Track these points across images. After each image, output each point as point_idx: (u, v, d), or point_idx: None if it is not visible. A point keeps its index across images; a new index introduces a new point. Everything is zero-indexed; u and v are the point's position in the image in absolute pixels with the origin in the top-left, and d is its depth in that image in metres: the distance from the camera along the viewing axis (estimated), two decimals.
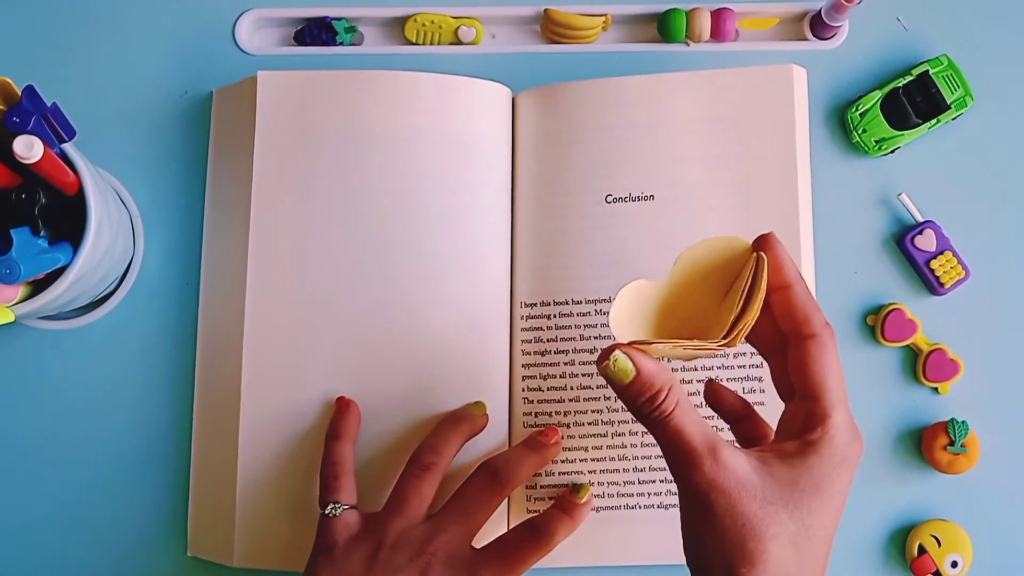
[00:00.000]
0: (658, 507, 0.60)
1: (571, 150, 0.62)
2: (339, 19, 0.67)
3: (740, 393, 0.59)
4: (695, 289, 0.47)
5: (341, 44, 0.67)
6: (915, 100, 0.64)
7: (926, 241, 0.63)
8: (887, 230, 0.64)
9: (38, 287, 0.55)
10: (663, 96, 0.62)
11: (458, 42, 0.67)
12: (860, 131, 0.64)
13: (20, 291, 0.54)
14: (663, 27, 0.66)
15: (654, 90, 0.62)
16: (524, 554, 0.54)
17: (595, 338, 0.61)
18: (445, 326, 0.60)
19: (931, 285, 0.63)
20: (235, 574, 0.61)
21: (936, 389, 0.63)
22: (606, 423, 0.60)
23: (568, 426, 0.60)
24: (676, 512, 0.59)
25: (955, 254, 0.63)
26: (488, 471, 0.56)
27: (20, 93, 0.52)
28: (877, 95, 0.64)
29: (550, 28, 0.67)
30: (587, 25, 0.66)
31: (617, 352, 0.44)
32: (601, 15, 0.66)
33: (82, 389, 0.63)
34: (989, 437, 0.61)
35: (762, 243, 0.47)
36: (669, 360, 0.58)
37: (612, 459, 0.60)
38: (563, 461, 0.60)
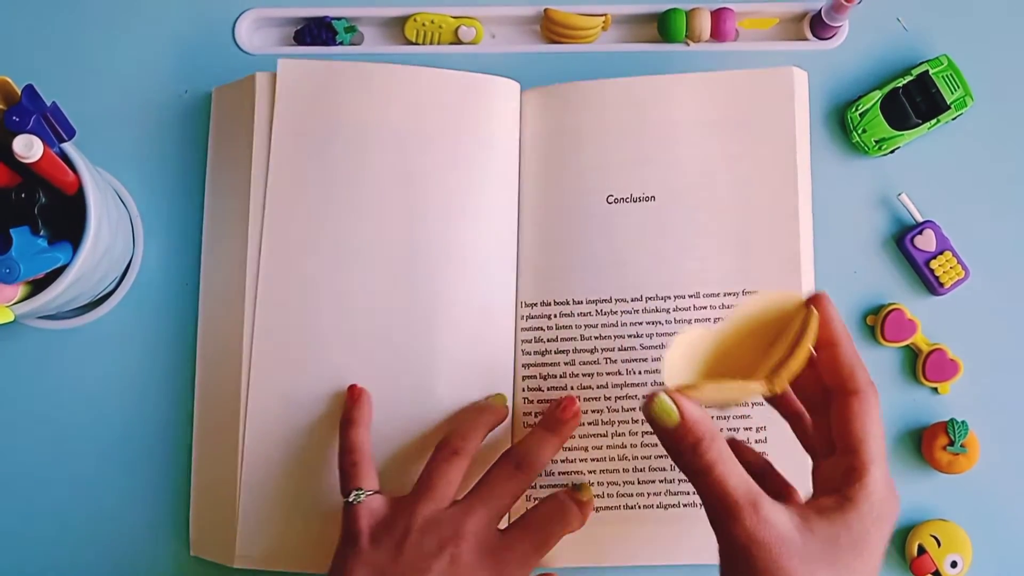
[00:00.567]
0: (657, 507, 0.60)
1: (572, 150, 0.62)
2: (339, 19, 0.67)
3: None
4: (745, 340, 0.49)
5: (341, 44, 0.67)
6: (915, 100, 0.64)
7: (926, 241, 0.63)
8: (887, 230, 0.65)
9: (37, 287, 0.55)
10: (665, 97, 0.62)
11: (458, 42, 0.67)
12: (860, 131, 0.64)
13: (19, 291, 0.54)
14: (663, 27, 0.66)
15: (656, 91, 0.62)
16: (551, 529, 0.55)
17: (596, 338, 0.61)
18: (452, 323, 0.60)
19: (931, 285, 0.63)
20: (237, 574, 0.60)
21: (936, 389, 0.63)
22: (606, 423, 0.60)
23: None
24: (675, 512, 0.59)
25: (955, 254, 0.63)
26: (512, 460, 0.56)
27: (20, 92, 0.52)
28: (877, 95, 0.64)
29: (550, 28, 0.67)
30: (587, 25, 0.66)
31: (661, 394, 0.45)
32: (601, 15, 0.66)
33: (82, 389, 0.63)
34: (989, 437, 0.61)
35: (815, 300, 0.48)
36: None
37: (612, 459, 0.60)
38: (563, 461, 0.60)
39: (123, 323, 0.64)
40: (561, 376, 0.61)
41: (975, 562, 0.61)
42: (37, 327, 0.64)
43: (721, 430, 0.58)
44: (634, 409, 0.60)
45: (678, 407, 0.45)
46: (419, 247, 0.61)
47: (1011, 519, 0.62)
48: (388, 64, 0.62)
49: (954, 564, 0.60)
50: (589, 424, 0.60)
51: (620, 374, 0.60)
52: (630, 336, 0.60)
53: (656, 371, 0.60)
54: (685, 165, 0.62)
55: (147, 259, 0.65)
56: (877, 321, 0.63)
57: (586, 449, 0.60)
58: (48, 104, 0.53)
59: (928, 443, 0.61)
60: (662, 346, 0.60)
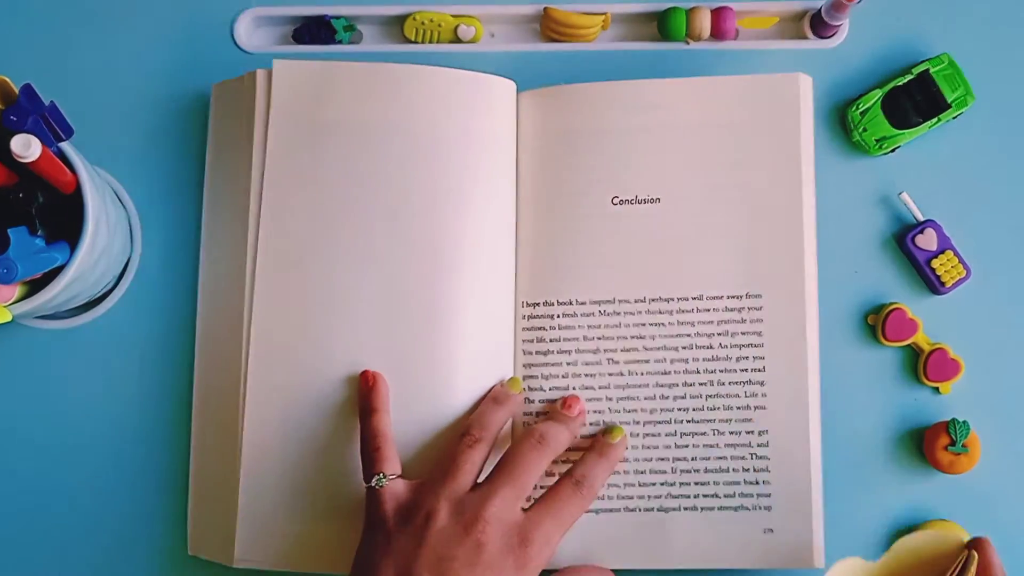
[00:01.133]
0: (658, 510, 0.60)
1: (578, 152, 0.62)
2: (338, 17, 0.67)
3: (741, 396, 0.59)
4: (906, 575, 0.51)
5: (340, 43, 0.67)
6: (916, 99, 0.64)
7: (927, 240, 0.63)
8: (888, 229, 0.64)
9: (35, 286, 0.55)
10: (670, 100, 0.62)
11: (457, 40, 0.67)
12: (861, 130, 0.64)
13: (17, 290, 0.54)
14: (663, 26, 0.66)
15: (662, 94, 0.62)
16: (570, 509, 0.55)
17: (598, 339, 0.61)
18: (451, 322, 0.60)
19: (932, 284, 0.63)
20: (236, 574, 0.60)
21: (937, 389, 0.63)
22: (607, 424, 0.60)
23: None
24: (675, 515, 0.59)
25: (956, 253, 0.63)
26: (535, 435, 0.57)
27: (18, 92, 0.52)
28: (878, 94, 0.64)
29: (550, 26, 0.67)
30: (587, 24, 0.66)
31: None
32: (601, 14, 0.66)
33: (80, 388, 0.63)
34: (990, 437, 0.61)
35: (977, 543, 0.52)
36: None
37: None
38: (563, 462, 0.60)
39: (121, 322, 0.64)
40: (563, 376, 0.61)
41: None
42: (35, 327, 0.64)
43: (715, 372, 0.60)
44: (636, 411, 0.60)
45: None
46: (416, 245, 0.60)
47: (1012, 519, 0.62)
48: (383, 64, 0.62)
49: None
50: (591, 424, 0.60)
51: (623, 375, 0.60)
52: (633, 337, 0.60)
53: (660, 372, 0.60)
54: (690, 168, 0.62)
55: (145, 258, 0.64)
56: (878, 320, 0.63)
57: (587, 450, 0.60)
58: (46, 103, 0.53)
59: (929, 443, 0.61)
60: (665, 347, 0.60)
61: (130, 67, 0.66)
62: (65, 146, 0.55)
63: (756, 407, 0.59)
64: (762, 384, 0.59)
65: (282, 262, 0.61)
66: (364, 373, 0.59)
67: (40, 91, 0.53)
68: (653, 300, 0.60)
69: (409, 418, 0.59)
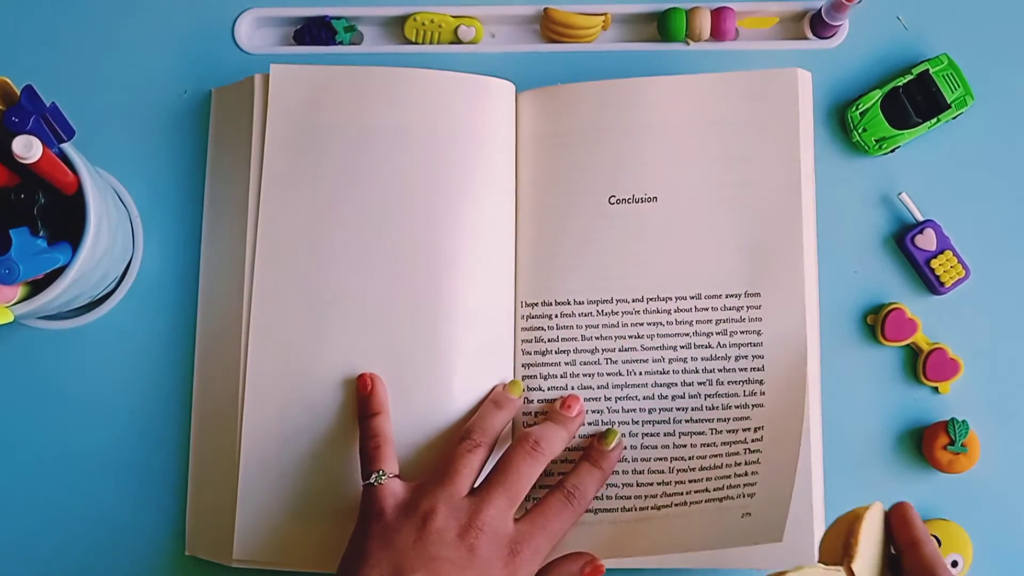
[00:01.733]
0: (652, 508, 0.60)
1: (575, 151, 0.62)
2: (338, 18, 0.67)
3: (740, 396, 0.59)
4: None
5: (340, 43, 0.67)
6: (915, 99, 0.64)
7: (926, 240, 0.63)
8: (887, 229, 0.64)
9: (37, 287, 0.55)
10: (668, 98, 0.62)
11: (458, 41, 0.67)
12: (860, 130, 0.64)
13: (19, 291, 0.54)
14: (663, 26, 0.66)
15: (659, 92, 0.62)
16: (560, 521, 0.56)
17: (596, 339, 0.61)
18: (449, 323, 0.60)
19: (931, 284, 0.63)
20: (233, 574, 0.60)
21: (936, 388, 0.63)
22: (606, 424, 0.60)
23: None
24: (671, 514, 0.59)
25: (955, 253, 0.63)
26: (529, 441, 0.57)
27: (19, 93, 0.52)
28: (877, 94, 0.64)
29: (550, 27, 0.67)
30: (587, 24, 0.66)
31: None
32: (601, 14, 0.66)
33: (81, 389, 0.63)
34: (989, 437, 0.62)
35: (896, 507, 0.52)
36: None
37: None
38: (562, 461, 0.60)
39: (123, 323, 0.64)
40: (561, 376, 0.61)
41: (975, 562, 0.61)
42: (37, 327, 0.64)
43: (713, 372, 0.60)
44: (634, 410, 0.60)
45: None
46: (415, 247, 0.61)
47: (1011, 519, 0.62)
48: (381, 67, 0.62)
49: (954, 564, 0.60)
50: (589, 424, 0.60)
51: (621, 375, 0.60)
52: (631, 337, 0.60)
53: (658, 372, 0.60)
54: (688, 166, 0.62)
55: (147, 259, 0.65)
56: (877, 320, 0.63)
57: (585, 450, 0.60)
58: (47, 104, 0.53)
59: (928, 443, 0.61)
60: (663, 347, 0.60)
61: (131, 68, 0.66)
62: (66, 147, 0.55)
63: (755, 406, 0.59)
64: (761, 383, 0.59)
65: (282, 264, 0.61)
66: (362, 376, 0.59)
67: (41, 92, 0.53)
68: (651, 299, 0.61)
69: (407, 419, 0.59)
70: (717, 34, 0.66)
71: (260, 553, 0.59)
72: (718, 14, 0.66)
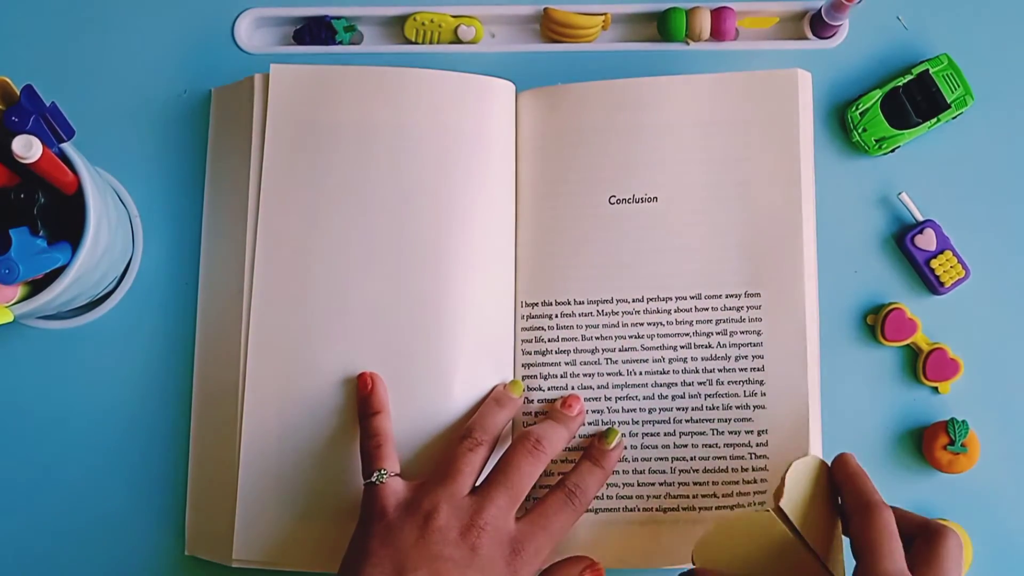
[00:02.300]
0: (656, 511, 0.60)
1: (575, 151, 0.62)
2: (338, 18, 0.67)
3: (740, 396, 0.59)
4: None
5: (340, 43, 0.67)
6: (915, 99, 0.64)
7: (926, 240, 0.63)
8: (887, 229, 0.64)
9: (37, 287, 0.55)
10: (668, 98, 0.62)
11: (457, 41, 0.67)
12: (860, 130, 0.64)
13: (19, 291, 0.54)
14: (663, 26, 0.66)
15: (659, 92, 0.62)
16: (561, 521, 0.56)
17: (596, 339, 0.61)
18: (449, 323, 0.60)
19: (931, 284, 0.63)
20: (233, 573, 0.60)
21: (936, 389, 0.63)
22: (606, 424, 0.60)
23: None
24: (674, 515, 0.59)
25: (955, 253, 0.63)
26: (530, 440, 0.57)
27: (19, 93, 0.52)
28: (877, 94, 0.64)
29: (550, 27, 0.67)
30: (587, 24, 0.66)
31: None
32: (601, 14, 0.66)
33: (81, 389, 0.63)
34: (989, 437, 0.62)
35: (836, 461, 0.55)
36: None
37: None
38: (562, 461, 0.60)
39: (122, 323, 0.64)
40: (561, 376, 0.61)
41: (975, 562, 0.61)
42: (37, 327, 0.64)
43: (713, 372, 0.60)
44: (634, 410, 0.60)
45: None
46: (415, 248, 0.60)
47: (1011, 519, 0.62)
48: (381, 67, 0.62)
49: None
50: (589, 424, 0.60)
51: (621, 375, 0.60)
52: (631, 337, 0.60)
53: (659, 372, 0.60)
54: (688, 166, 0.62)
55: (146, 259, 0.65)
56: (877, 320, 0.63)
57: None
58: (47, 104, 0.53)
59: (928, 443, 0.61)
60: (663, 347, 0.60)
61: (131, 68, 0.66)
62: (66, 147, 0.55)
63: (755, 406, 0.59)
64: (761, 384, 0.59)
65: (281, 264, 0.61)
66: (362, 376, 0.59)
67: (41, 92, 0.53)
68: (651, 299, 0.61)
69: (408, 418, 0.59)
70: (717, 34, 0.66)
71: (260, 553, 0.59)
72: (718, 14, 0.66)
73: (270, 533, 0.59)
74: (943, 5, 0.67)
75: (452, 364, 0.60)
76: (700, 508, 0.59)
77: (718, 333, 0.60)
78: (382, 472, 0.55)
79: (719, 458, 0.59)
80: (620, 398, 0.60)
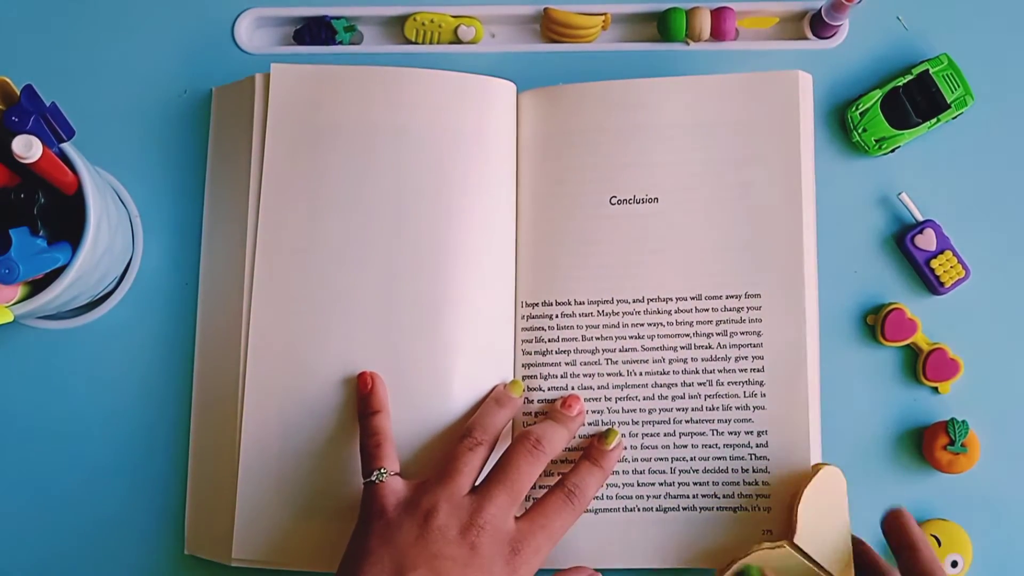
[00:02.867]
0: (656, 510, 0.60)
1: (576, 152, 0.62)
2: (338, 18, 0.67)
3: (741, 396, 0.59)
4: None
5: (340, 43, 0.67)
6: (915, 99, 0.64)
7: (926, 240, 0.63)
8: (887, 229, 0.64)
9: (37, 287, 0.55)
10: (669, 99, 0.62)
11: (458, 41, 0.67)
12: (860, 130, 0.64)
13: (19, 291, 0.54)
14: (663, 26, 0.66)
15: (660, 93, 0.62)
16: (561, 521, 0.56)
17: (597, 339, 0.61)
18: (450, 323, 0.60)
19: (931, 284, 0.63)
20: (232, 573, 0.60)
21: (936, 389, 0.63)
22: (606, 424, 0.60)
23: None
24: (674, 516, 0.59)
25: (955, 253, 0.63)
26: (530, 440, 0.57)
27: (19, 93, 0.52)
28: (877, 94, 0.64)
29: (550, 27, 0.67)
30: (587, 24, 0.66)
31: None
32: (601, 14, 0.66)
33: (81, 389, 0.63)
34: (989, 437, 0.62)
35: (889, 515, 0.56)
36: None
37: None
38: (562, 462, 0.60)
39: (123, 323, 0.64)
40: (562, 376, 0.61)
41: (975, 562, 0.61)
42: (37, 327, 0.64)
43: (713, 372, 0.60)
44: (634, 411, 0.60)
45: None
46: (415, 247, 0.61)
47: (1011, 519, 0.62)
48: (381, 67, 0.62)
49: (954, 564, 0.60)
50: (589, 425, 0.60)
51: (621, 375, 0.60)
52: (631, 337, 0.60)
53: (659, 372, 0.60)
54: (689, 167, 0.62)
55: (147, 259, 0.65)
56: (877, 320, 0.63)
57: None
58: (47, 104, 0.53)
59: (928, 443, 0.61)
60: (663, 347, 0.60)
61: (131, 68, 0.66)
62: (66, 147, 0.55)
63: (755, 407, 0.59)
64: (761, 384, 0.59)
65: (281, 264, 0.61)
66: (362, 375, 0.59)
67: (41, 92, 0.53)
68: (651, 300, 0.61)
69: (407, 418, 0.59)
70: (717, 34, 0.66)
71: (260, 552, 0.59)
72: (718, 14, 0.66)
73: (270, 532, 0.59)
74: (943, 5, 0.67)
75: (452, 364, 0.60)
76: (700, 508, 0.59)
77: (718, 334, 0.60)
78: (382, 471, 0.56)
79: (719, 458, 0.59)
80: (620, 398, 0.60)
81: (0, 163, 0.53)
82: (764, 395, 0.59)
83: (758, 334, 0.60)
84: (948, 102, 0.64)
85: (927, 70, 0.64)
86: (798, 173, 0.61)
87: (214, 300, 0.63)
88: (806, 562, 0.55)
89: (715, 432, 0.59)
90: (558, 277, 0.62)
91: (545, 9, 0.66)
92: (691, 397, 0.60)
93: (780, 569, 0.55)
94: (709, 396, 0.60)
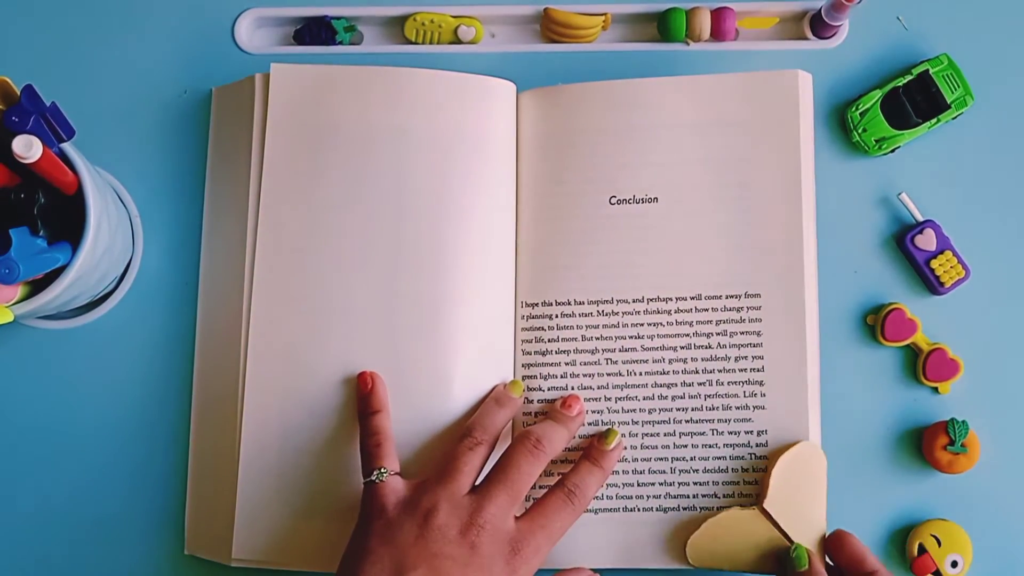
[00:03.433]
0: (656, 510, 0.60)
1: (576, 152, 0.62)
2: (338, 18, 0.67)
3: (741, 396, 0.59)
4: None
5: (340, 43, 0.67)
6: (915, 99, 0.64)
7: (926, 240, 0.63)
8: (887, 229, 0.64)
9: (37, 287, 0.55)
10: (669, 99, 0.62)
11: (458, 41, 0.67)
12: (860, 130, 0.64)
13: (19, 291, 0.54)
14: (663, 26, 0.66)
15: (660, 93, 0.62)
16: (561, 520, 0.56)
17: (596, 339, 0.61)
18: (450, 323, 0.60)
19: (931, 285, 0.63)
20: (232, 573, 0.60)
21: (936, 389, 0.63)
22: (606, 424, 0.60)
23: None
24: (674, 515, 0.59)
25: (955, 253, 0.63)
26: (530, 439, 0.57)
27: (19, 93, 0.52)
28: (877, 94, 0.64)
29: (550, 27, 0.67)
30: (587, 24, 0.66)
31: (800, 544, 0.56)
32: (601, 14, 0.66)
33: (81, 388, 0.63)
34: (989, 437, 0.62)
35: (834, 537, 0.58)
36: None
37: None
38: (562, 462, 0.60)
39: (123, 323, 0.64)
40: (561, 376, 0.61)
41: (975, 562, 0.61)
42: (37, 327, 0.64)
43: (713, 372, 0.60)
44: (634, 411, 0.60)
45: (810, 559, 0.56)
46: (415, 247, 0.61)
47: (1011, 519, 0.62)
48: (381, 67, 0.62)
49: (954, 564, 0.60)
50: (589, 425, 0.60)
51: (621, 375, 0.60)
52: (631, 337, 0.60)
53: (659, 372, 0.60)
54: (689, 167, 0.62)
55: (147, 259, 0.65)
56: (877, 320, 0.63)
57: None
58: (47, 104, 0.53)
59: (928, 443, 0.61)
60: (663, 347, 0.60)
61: (131, 68, 0.66)
62: (66, 147, 0.55)
63: (755, 407, 0.59)
64: (761, 384, 0.60)
65: (281, 264, 0.61)
66: (362, 375, 0.59)
67: (41, 92, 0.53)
68: (651, 300, 0.61)
69: (407, 418, 0.59)
70: (717, 34, 0.66)
71: (259, 552, 0.59)
72: (718, 14, 0.66)
73: (270, 532, 0.59)
74: (943, 5, 0.67)
75: (452, 364, 0.60)
76: (700, 508, 0.59)
77: (718, 334, 0.60)
78: (382, 470, 0.56)
79: (719, 458, 0.59)
80: (620, 398, 0.60)
81: (0, 163, 0.53)
82: (764, 395, 0.59)
83: (758, 334, 0.60)
84: (948, 102, 0.64)
85: (927, 70, 0.64)
86: (798, 173, 0.61)
87: (214, 300, 0.63)
88: (773, 528, 0.56)
89: (715, 432, 0.60)
90: (558, 277, 0.62)
91: (545, 9, 0.66)
92: (691, 397, 0.60)
93: (747, 532, 0.57)
94: (709, 396, 0.60)
